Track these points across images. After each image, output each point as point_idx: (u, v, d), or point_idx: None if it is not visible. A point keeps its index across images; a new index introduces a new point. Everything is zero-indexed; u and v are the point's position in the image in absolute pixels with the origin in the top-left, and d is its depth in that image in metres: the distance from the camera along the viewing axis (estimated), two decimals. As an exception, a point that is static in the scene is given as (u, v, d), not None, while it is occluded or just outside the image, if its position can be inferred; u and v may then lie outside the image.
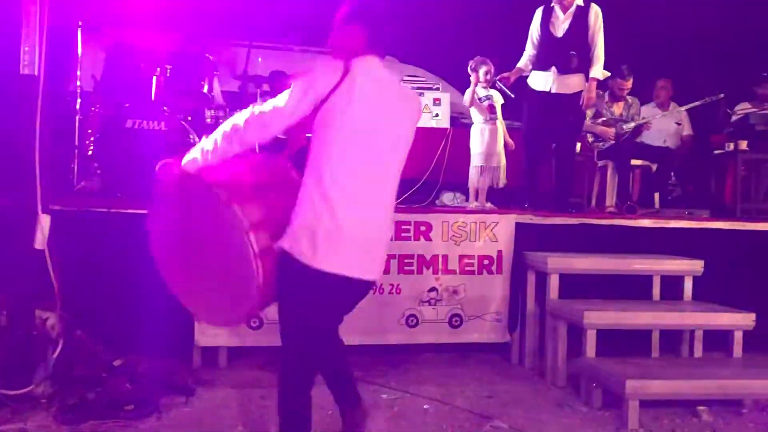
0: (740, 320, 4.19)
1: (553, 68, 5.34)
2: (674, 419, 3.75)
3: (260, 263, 2.43)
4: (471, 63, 5.63)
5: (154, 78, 4.81)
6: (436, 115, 6.91)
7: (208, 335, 4.40)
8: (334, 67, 2.48)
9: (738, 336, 4.18)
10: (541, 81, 5.42)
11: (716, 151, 6.34)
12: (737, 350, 4.18)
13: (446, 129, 6.76)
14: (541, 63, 5.43)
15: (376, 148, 2.52)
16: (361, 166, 2.48)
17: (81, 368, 3.69)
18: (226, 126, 2.56)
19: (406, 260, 4.63)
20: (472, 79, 5.59)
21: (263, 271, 2.44)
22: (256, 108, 2.51)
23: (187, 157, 2.64)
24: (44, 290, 3.70)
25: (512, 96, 5.52)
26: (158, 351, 4.14)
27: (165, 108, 4.69)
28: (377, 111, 2.50)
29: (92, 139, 4.88)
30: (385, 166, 2.58)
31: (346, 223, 2.43)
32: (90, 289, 4.10)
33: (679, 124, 7.05)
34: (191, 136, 4.70)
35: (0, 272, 3.68)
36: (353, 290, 2.58)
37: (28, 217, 3.65)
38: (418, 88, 6.81)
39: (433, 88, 7.08)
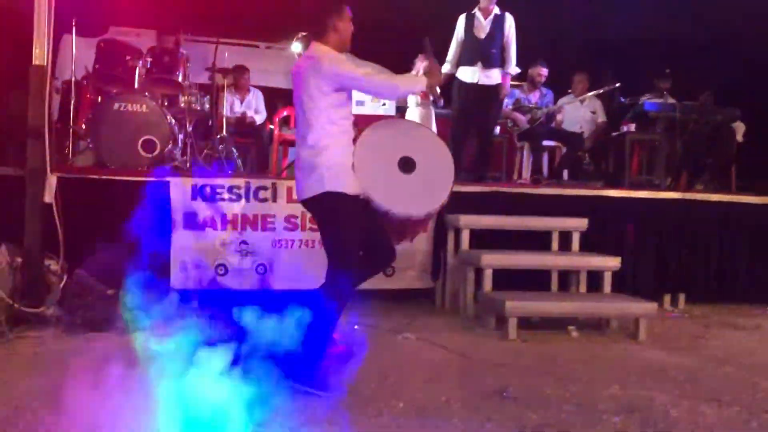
0: (609, 263, 5.27)
1: (479, 63, 6.38)
2: (547, 335, 4.82)
3: None
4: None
5: (137, 69, 5.76)
6: (384, 104, 7.92)
7: (183, 280, 5.39)
8: None
9: (607, 276, 5.26)
10: (469, 74, 6.45)
11: (613, 134, 7.45)
12: (606, 287, 5.26)
13: (393, 116, 7.78)
14: (467, 60, 6.45)
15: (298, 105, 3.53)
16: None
17: (81, 297, 4.67)
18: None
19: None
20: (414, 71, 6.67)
21: None
22: None
23: None
24: (52, 238, 4.69)
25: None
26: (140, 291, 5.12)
27: (146, 94, 5.65)
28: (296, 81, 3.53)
29: (84, 120, 5.83)
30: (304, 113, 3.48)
31: None
32: (88, 239, 5.05)
33: (593, 112, 8.13)
34: (168, 118, 5.68)
35: (17, 224, 4.67)
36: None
37: (40, 180, 4.63)
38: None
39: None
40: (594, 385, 3.55)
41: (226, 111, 6.89)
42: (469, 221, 5.52)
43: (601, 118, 8.18)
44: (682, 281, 6.32)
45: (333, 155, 3.40)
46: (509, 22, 6.43)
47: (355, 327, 4.84)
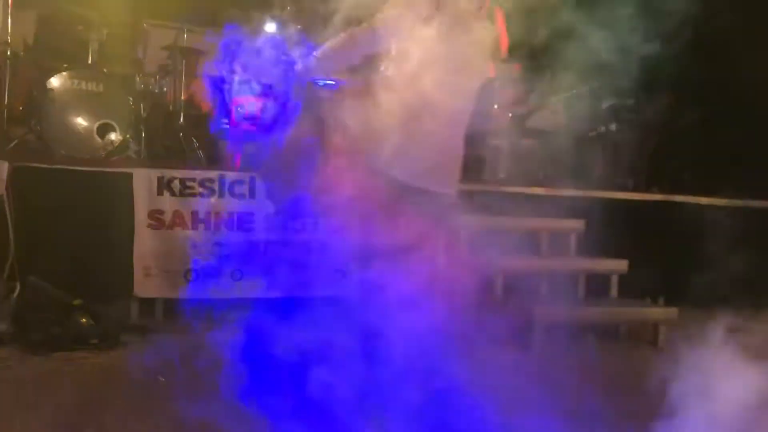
0: (616, 266, 5.02)
1: None
2: (568, 344, 4.49)
3: None
4: None
5: (91, 42, 4.94)
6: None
7: (147, 287, 4.65)
8: None
9: (614, 279, 5.02)
10: None
11: (590, 134, 7.30)
12: (614, 291, 5.01)
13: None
14: None
15: None
16: None
17: (40, 309, 3.86)
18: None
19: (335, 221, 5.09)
20: None
21: None
22: None
23: None
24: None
25: None
26: (99, 300, 4.33)
27: (105, 70, 4.86)
28: None
29: (24, 100, 4.93)
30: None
31: None
32: (41, 239, 4.22)
33: (556, 112, 7.96)
34: (129, 99, 4.91)
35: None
36: None
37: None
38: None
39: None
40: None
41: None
42: (463, 222, 5.10)
43: (561, 119, 8.03)
44: (662, 284, 6.20)
45: None
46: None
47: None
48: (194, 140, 5.75)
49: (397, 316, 2.62)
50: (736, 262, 6.31)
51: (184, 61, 5.62)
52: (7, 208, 3.84)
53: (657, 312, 4.65)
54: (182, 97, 5.47)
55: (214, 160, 6.34)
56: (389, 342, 2.67)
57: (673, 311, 4.64)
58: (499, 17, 6.04)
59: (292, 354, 3.26)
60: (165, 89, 5.52)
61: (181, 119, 5.75)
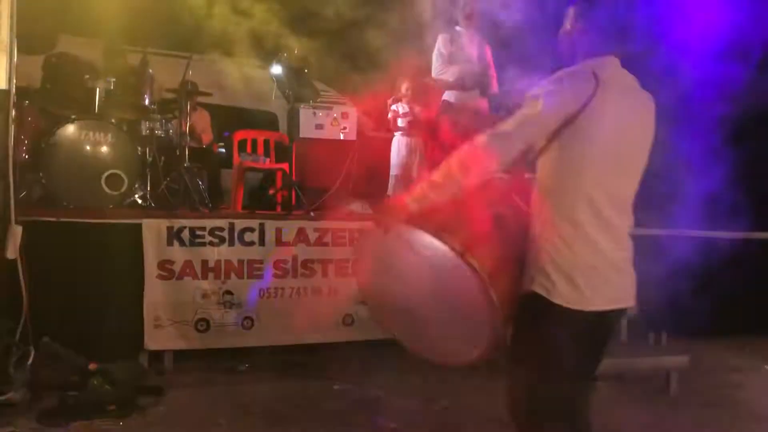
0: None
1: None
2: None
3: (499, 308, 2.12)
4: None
5: (98, 90, 4.88)
6: (344, 128, 7.33)
7: (158, 338, 4.62)
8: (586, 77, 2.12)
9: (624, 323, 5.02)
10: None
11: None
12: (623, 334, 5.02)
13: (353, 141, 7.20)
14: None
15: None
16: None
17: (54, 373, 3.82)
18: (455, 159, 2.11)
19: (343, 264, 5.07)
20: None
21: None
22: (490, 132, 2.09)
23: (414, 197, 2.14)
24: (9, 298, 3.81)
25: None
26: (108, 354, 4.26)
27: (113, 121, 4.80)
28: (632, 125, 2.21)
29: (29, 148, 4.85)
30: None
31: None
32: (51, 295, 4.16)
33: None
34: (138, 149, 4.86)
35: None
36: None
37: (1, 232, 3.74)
38: (329, 102, 7.25)
39: (340, 103, 7.52)
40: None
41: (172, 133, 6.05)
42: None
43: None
44: (663, 319, 6.23)
45: None
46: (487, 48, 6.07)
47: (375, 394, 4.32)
48: (200, 182, 5.71)
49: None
50: (738, 294, 6.40)
51: (188, 103, 5.59)
52: (21, 272, 3.78)
53: (669, 360, 4.66)
54: (185, 131, 5.41)
55: (218, 197, 6.32)
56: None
57: (684, 359, 4.65)
58: (488, 54, 6.07)
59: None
60: (171, 132, 5.47)
61: (187, 161, 5.71)
